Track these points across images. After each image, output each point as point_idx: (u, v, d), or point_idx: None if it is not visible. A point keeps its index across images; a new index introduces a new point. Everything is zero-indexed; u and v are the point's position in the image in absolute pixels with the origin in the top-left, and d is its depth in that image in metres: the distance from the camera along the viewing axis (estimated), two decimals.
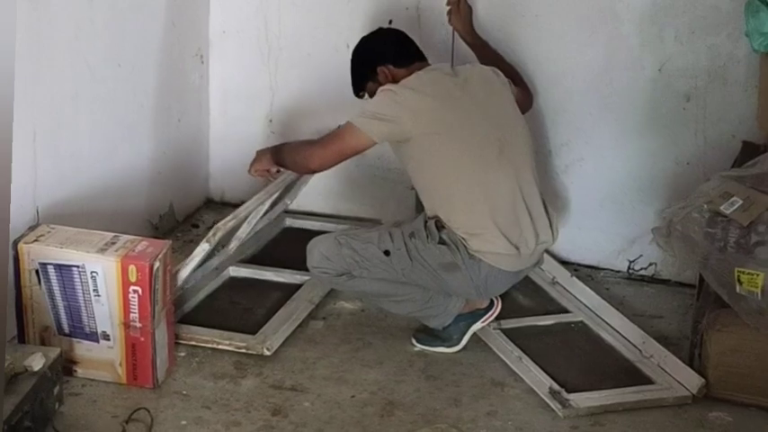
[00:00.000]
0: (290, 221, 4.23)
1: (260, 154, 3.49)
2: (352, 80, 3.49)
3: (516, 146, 3.26)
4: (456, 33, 3.74)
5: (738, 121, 3.61)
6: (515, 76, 3.58)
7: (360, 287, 3.27)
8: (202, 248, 3.21)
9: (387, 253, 3.18)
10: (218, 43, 4.24)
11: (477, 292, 3.25)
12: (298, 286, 3.63)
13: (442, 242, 3.17)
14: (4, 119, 1.98)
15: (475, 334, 3.37)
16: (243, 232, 3.63)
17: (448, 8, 3.68)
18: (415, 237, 3.18)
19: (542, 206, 3.28)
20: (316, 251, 3.24)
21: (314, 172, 3.49)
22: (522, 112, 3.47)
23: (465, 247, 3.16)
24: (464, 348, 3.34)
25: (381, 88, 3.25)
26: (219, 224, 3.27)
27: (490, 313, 3.36)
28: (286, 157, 3.41)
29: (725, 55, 3.60)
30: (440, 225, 3.20)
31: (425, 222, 3.21)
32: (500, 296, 3.40)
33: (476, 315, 3.34)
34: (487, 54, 3.65)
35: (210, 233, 3.22)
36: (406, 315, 3.37)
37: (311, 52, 4.14)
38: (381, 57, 3.38)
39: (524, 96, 3.57)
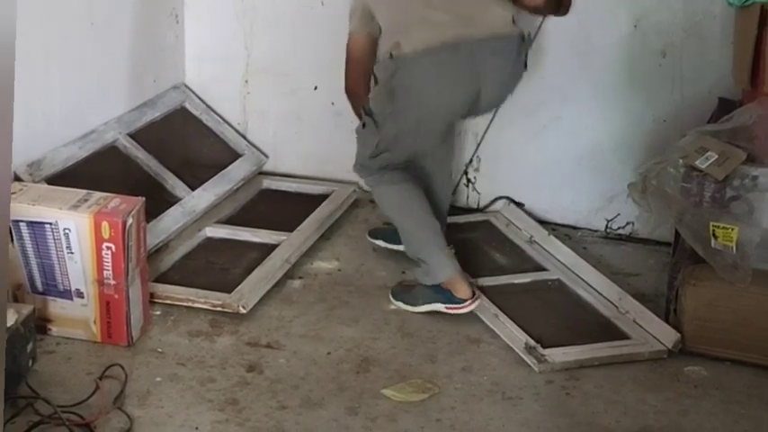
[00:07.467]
0: (267, 183, 4.22)
1: (349, 95, 3.48)
2: None
3: None
4: None
5: (715, 77, 3.60)
6: None
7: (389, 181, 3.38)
8: None
9: (363, 125, 3.31)
10: (192, 3, 4.20)
11: (429, 82, 3.17)
12: (274, 246, 3.62)
13: (376, 82, 3.24)
14: (5, 116, 1.96)
15: None
16: None
17: None
18: (369, 101, 3.28)
19: None
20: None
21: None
22: (547, 12, 3.41)
23: (393, 58, 3.14)
24: None
25: None
26: None
27: (457, 306, 3.26)
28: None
29: (700, 11, 3.59)
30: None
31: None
32: (478, 257, 3.39)
33: (446, 295, 3.26)
34: None
35: None
36: (411, 255, 3.39)
37: (286, 11, 4.11)
38: None
39: None
